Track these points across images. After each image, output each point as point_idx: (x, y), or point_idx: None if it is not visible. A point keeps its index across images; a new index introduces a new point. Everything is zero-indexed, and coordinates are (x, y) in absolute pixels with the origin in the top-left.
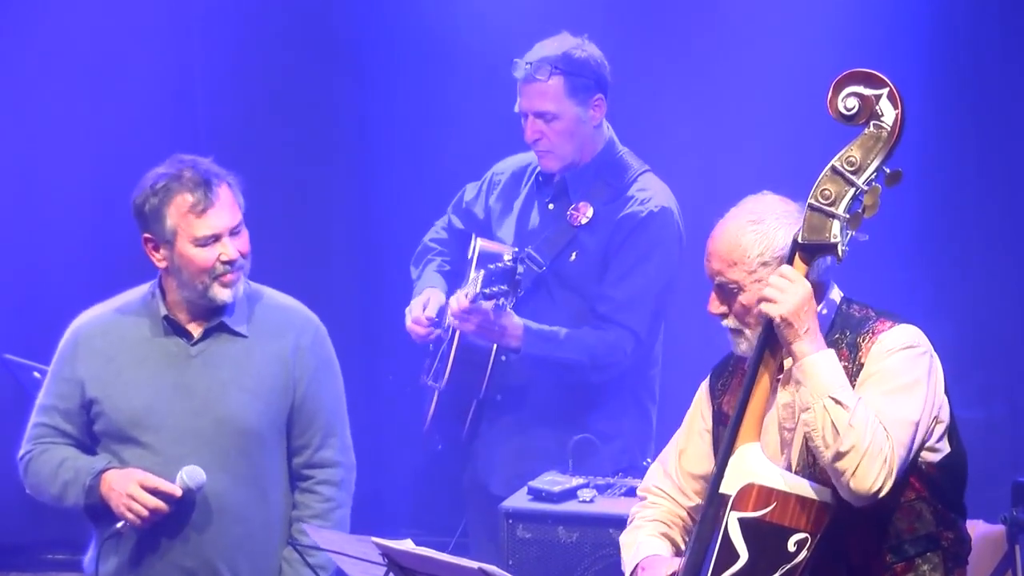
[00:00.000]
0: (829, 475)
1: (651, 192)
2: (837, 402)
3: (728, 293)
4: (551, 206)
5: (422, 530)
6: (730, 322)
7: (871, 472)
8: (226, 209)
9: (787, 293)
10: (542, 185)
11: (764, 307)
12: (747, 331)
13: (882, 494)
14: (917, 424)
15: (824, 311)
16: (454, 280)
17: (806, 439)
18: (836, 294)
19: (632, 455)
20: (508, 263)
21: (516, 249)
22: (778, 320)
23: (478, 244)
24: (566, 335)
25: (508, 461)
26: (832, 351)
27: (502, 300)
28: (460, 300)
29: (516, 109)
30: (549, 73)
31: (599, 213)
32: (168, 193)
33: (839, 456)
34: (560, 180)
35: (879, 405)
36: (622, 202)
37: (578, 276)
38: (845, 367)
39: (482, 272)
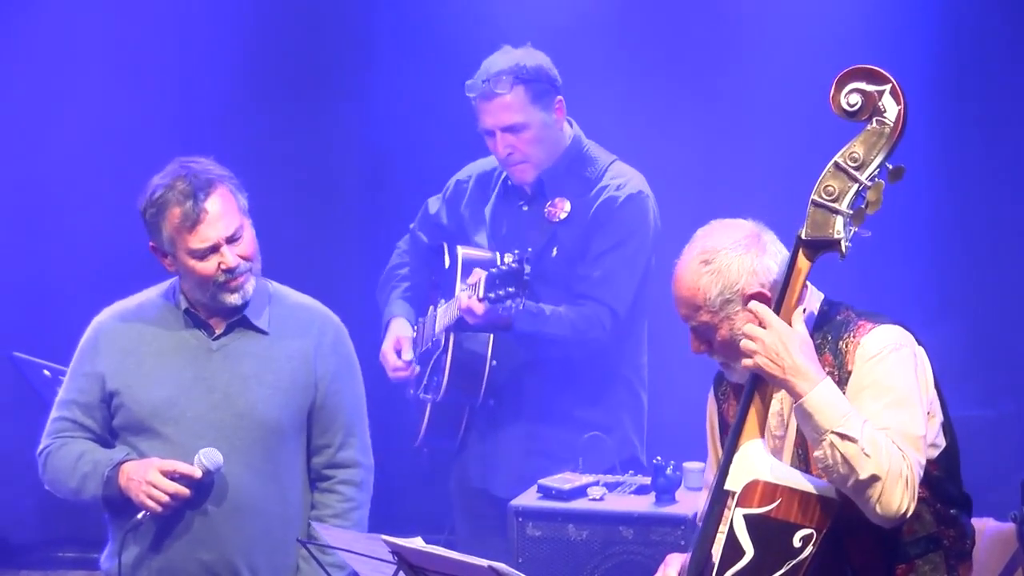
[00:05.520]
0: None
1: (625, 178)
2: (843, 436)
3: (704, 333)
4: (525, 208)
5: (433, 528)
6: (716, 357)
7: (895, 496)
8: (220, 218)
9: (759, 342)
10: (510, 190)
11: (744, 363)
12: (734, 363)
13: (908, 514)
14: (924, 437)
15: (806, 311)
16: (419, 302)
17: (797, 447)
18: (817, 296)
19: (631, 446)
20: (513, 265)
21: (514, 253)
22: (757, 370)
23: (460, 253)
24: (550, 311)
25: (513, 464)
26: (828, 379)
27: (509, 303)
28: (474, 305)
29: (480, 128)
30: (510, 85)
31: (576, 207)
32: (162, 206)
33: (860, 486)
34: (535, 181)
35: (883, 420)
36: (597, 192)
37: (560, 271)
38: (831, 373)
39: (483, 275)
